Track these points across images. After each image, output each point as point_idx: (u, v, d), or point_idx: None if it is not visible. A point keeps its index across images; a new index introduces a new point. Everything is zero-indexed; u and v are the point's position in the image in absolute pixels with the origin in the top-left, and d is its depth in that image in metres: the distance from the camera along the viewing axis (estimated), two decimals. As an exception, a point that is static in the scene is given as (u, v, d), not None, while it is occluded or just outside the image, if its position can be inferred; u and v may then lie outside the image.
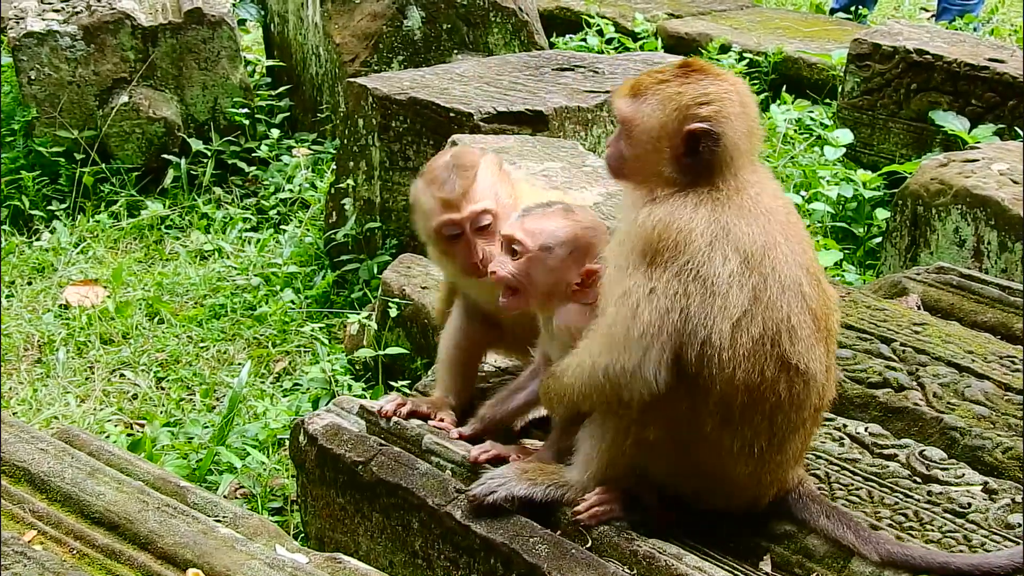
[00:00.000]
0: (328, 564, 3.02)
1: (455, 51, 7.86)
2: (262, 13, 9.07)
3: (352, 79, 6.44)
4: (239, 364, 5.47)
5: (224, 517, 3.17)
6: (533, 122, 5.89)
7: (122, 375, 5.48)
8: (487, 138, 5.53)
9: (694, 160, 2.86)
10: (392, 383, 4.66)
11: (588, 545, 3.06)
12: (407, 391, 4.28)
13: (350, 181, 6.28)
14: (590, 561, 2.99)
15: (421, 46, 7.84)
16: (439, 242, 3.43)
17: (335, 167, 6.65)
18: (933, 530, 3.10)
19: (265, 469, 4.54)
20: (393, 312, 4.98)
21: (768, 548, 3.09)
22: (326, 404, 4.03)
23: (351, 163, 6.31)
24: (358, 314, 5.16)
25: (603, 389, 2.91)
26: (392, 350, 4.92)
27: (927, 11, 11.70)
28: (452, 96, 6.04)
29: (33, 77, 7.26)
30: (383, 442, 3.50)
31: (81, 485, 3.18)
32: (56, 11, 7.46)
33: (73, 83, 7.34)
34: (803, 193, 6.81)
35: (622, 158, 2.98)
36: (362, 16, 7.82)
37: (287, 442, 3.99)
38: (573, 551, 3.01)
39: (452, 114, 5.83)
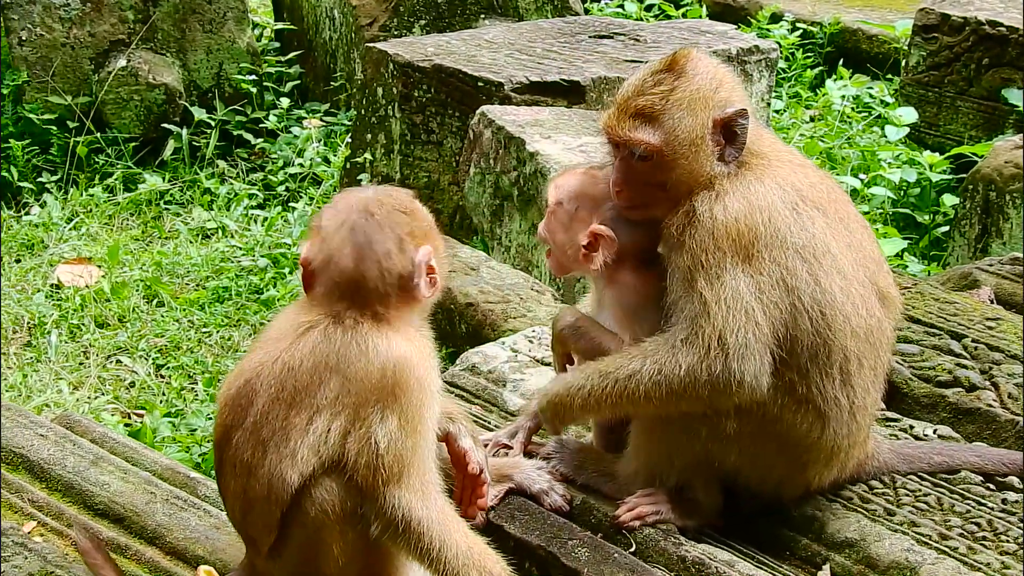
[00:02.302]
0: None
1: (482, 15, 7.87)
2: (271, -28, 9.11)
3: (370, 44, 6.47)
4: (244, 351, 5.49)
5: (238, 511, 3.19)
6: (569, 93, 5.91)
7: (118, 361, 5.52)
8: (519, 110, 5.55)
9: (735, 145, 2.96)
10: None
11: (632, 549, 3.07)
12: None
13: (367, 155, 6.31)
14: (634, 567, 2.99)
15: (445, 9, 7.86)
16: None
17: (350, 140, 6.68)
18: (1008, 540, 3.10)
19: (275, 464, 4.57)
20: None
21: (828, 557, 3.10)
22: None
23: (368, 136, 6.34)
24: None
25: (696, 398, 2.91)
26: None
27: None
28: (480, 64, 6.05)
29: (24, 38, 7.30)
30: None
31: (84, 474, 3.21)
32: (49, -34, 7.53)
33: (67, 45, 7.38)
34: (862, 176, 6.80)
35: (658, 188, 2.98)
36: (381, -24, 7.85)
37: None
38: (615, 555, 3.02)
39: (480, 83, 5.85)
